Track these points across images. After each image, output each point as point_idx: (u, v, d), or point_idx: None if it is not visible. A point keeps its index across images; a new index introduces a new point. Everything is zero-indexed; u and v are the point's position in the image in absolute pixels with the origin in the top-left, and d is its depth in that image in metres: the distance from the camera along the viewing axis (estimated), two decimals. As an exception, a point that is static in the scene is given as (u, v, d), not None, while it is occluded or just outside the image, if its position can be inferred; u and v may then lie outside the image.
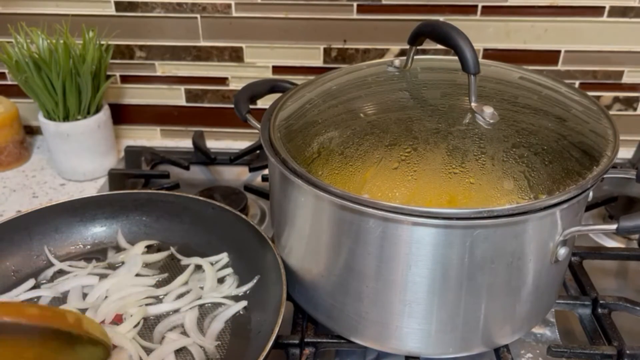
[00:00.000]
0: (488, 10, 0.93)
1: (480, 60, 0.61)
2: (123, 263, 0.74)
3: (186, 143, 1.05)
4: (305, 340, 0.65)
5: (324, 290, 0.62)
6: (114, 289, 0.69)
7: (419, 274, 0.55)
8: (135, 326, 0.65)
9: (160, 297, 0.69)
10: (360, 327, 0.61)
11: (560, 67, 0.98)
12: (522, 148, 0.55)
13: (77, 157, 0.97)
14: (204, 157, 1.00)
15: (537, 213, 0.52)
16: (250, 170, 0.97)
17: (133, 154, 1.01)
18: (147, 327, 0.66)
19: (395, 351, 0.62)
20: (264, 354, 0.56)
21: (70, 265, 0.74)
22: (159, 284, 0.71)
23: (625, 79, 0.98)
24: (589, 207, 0.89)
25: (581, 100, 0.66)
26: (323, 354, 0.67)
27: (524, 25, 0.94)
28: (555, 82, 0.69)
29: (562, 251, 0.57)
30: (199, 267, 0.73)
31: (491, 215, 0.51)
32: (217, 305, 0.68)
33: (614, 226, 0.55)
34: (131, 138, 1.09)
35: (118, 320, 0.66)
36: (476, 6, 0.93)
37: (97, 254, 0.76)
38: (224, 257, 0.74)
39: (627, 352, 0.63)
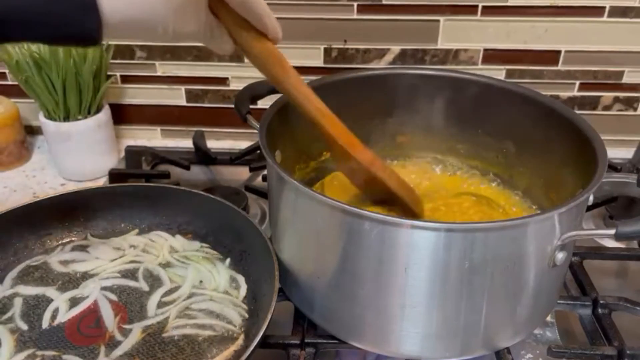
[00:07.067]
0: (488, 10, 0.93)
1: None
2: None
3: (186, 143, 1.05)
4: (306, 340, 0.65)
5: (319, 291, 0.62)
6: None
7: (416, 277, 0.55)
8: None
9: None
10: (356, 329, 0.61)
11: (560, 67, 0.98)
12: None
13: (77, 157, 0.97)
14: (204, 157, 0.99)
15: (536, 217, 0.52)
16: (251, 170, 0.97)
17: (133, 154, 1.01)
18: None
19: (393, 354, 0.61)
20: (247, 353, 0.56)
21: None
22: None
23: (626, 79, 0.98)
24: (589, 207, 0.89)
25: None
26: (324, 355, 0.67)
27: (524, 25, 0.94)
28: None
29: (560, 255, 0.57)
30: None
31: (490, 219, 0.51)
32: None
33: (612, 231, 0.54)
34: (131, 138, 1.09)
35: (124, 317, 0.66)
36: (476, 6, 0.93)
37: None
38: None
39: (628, 352, 0.63)
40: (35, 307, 0.68)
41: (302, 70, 0.99)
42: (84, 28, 0.47)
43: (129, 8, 0.49)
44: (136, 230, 0.79)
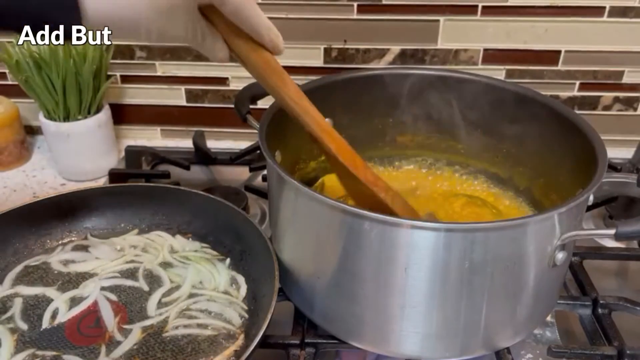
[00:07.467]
0: (488, 10, 0.93)
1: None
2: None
3: (186, 143, 1.05)
4: (306, 340, 0.65)
5: (319, 291, 0.62)
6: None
7: (416, 277, 0.55)
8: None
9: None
10: (356, 329, 0.61)
11: (560, 67, 0.98)
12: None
13: (77, 157, 0.97)
14: (204, 157, 1.00)
15: (536, 217, 0.52)
16: (251, 170, 0.97)
17: (133, 154, 1.01)
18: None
19: (393, 354, 0.62)
20: (247, 353, 0.56)
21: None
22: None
23: (626, 79, 0.98)
24: (589, 207, 0.89)
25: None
26: (324, 355, 0.67)
27: (524, 25, 0.94)
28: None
29: (560, 255, 0.57)
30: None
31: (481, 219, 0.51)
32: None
33: (612, 231, 0.54)
34: (131, 138, 1.09)
35: (124, 317, 0.66)
36: (476, 6, 0.93)
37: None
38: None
39: (628, 352, 0.63)
40: (35, 307, 0.68)
41: (302, 70, 1.00)
42: (64, 24, 0.46)
43: (111, 7, 0.47)
44: (136, 230, 0.79)
